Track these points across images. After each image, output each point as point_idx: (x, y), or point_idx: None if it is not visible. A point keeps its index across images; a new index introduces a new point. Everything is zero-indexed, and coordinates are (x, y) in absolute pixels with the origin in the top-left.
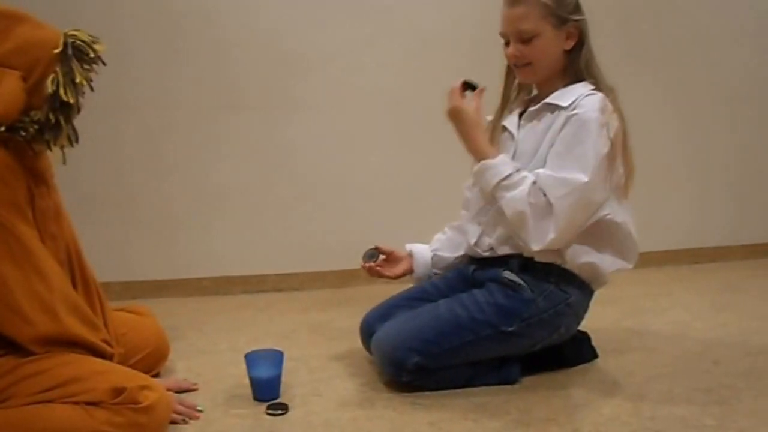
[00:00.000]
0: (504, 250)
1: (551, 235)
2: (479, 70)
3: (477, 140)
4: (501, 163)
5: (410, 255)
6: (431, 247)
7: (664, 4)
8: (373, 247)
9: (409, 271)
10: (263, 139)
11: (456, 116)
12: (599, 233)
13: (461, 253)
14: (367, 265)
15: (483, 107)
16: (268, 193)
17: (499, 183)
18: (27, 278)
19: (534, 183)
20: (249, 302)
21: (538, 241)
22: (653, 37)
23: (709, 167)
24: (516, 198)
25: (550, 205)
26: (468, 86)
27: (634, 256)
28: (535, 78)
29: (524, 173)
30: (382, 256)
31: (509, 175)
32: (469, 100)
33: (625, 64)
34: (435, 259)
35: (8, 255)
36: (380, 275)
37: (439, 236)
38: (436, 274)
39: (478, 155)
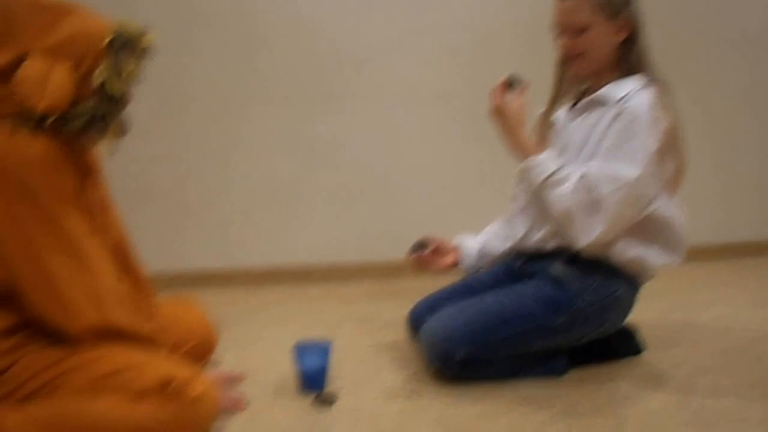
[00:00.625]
0: (552, 245)
1: (599, 231)
2: (526, 65)
3: (519, 140)
4: (546, 160)
5: (458, 247)
6: (479, 240)
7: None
8: (421, 238)
9: (456, 264)
10: (311, 131)
11: (497, 116)
12: (647, 228)
13: (509, 245)
14: (413, 256)
15: (526, 104)
16: (316, 185)
17: (544, 181)
18: (75, 270)
19: (581, 178)
20: (296, 293)
21: (585, 237)
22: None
23: (758, 162)
24: (562, 195)
25: (598, 200)
26: (512, 83)
27: (682, 250)
28: (586, 70)
29: (570, 169)
30: (429, 248)
31: (554, 172)
32: (512, 99)
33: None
34: (482, 251)
35: (56, 247)
36: (427, 267)
37: (487, 229)
38: (482, 267)
39: (521, 154)
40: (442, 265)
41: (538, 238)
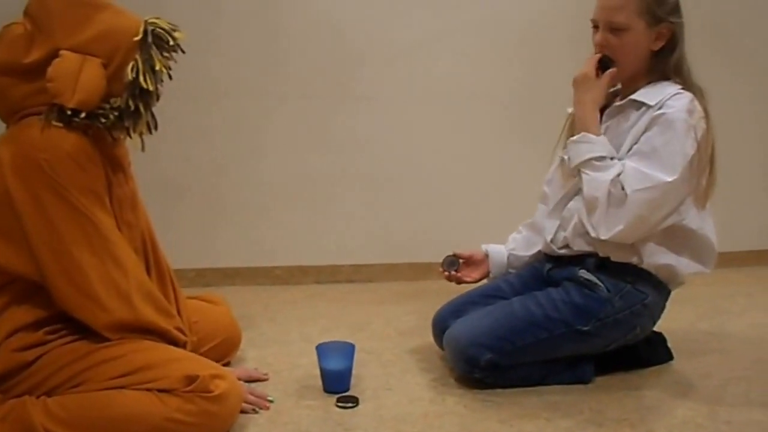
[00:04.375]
0: (579, 245)
1: (620, 227)
2: (562, 66)
3: (590, 113)
4: (600, 142)
5: (486, 255)
6: (507, 248)
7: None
8: (452, 254)
9: (487, 275)
10: (340, 129)
11: (584, 84)
12: (675, 237)
13: (536, 250)
14: (446, 273)
15: (609, 89)
16: (344, 184)
17: (590, 159)
18: (103, 265)
19: (619, 174)
20: (322, 292)
21: (606, 230)
22: (737, 35)
23: None
24: (599, 180)
25: (624, 195)
26: (605, 63)
27: (712, 261)
28: (618, 75)
29: (617, 162)
30: (461, 261)
31: (603, 157)
32: (601, 77)
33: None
34: (511, 258)
35: (85, 241)
36: (460, 281)
37: (514, 236)
38: (509, 273)
39: (584, 127)
40: (473, 278)
41: (565, 238)
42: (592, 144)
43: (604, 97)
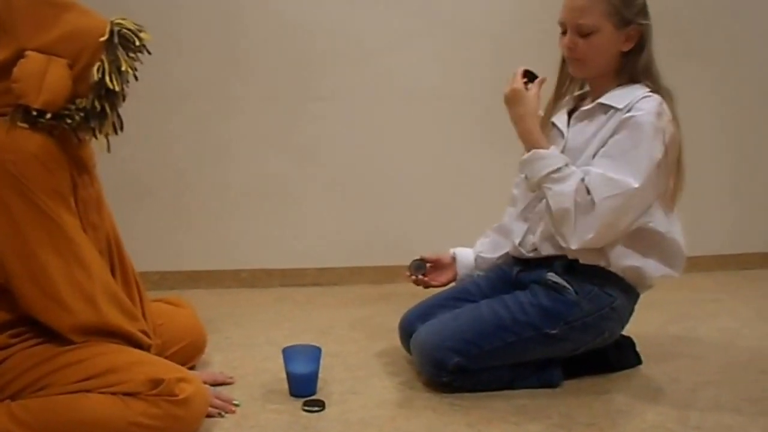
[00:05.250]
0: (547, 249)
1: (590, 235)
2: (533, 66)
3: (532, 127)
4: (552, 155)
5: (453, 259)
6: (475, 250)
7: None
8: (419, 257)
9: (455, 278)
10: (304, 131)
11: (515, 99)
12: (643, 239)
13: (503, 251)
14: (413, 277)
15: (541, 98)
16: (309, 186)
17: (548, 174)
18: (68, 267)
19: (582, 180)
20: (287, 296)
21: (576, 239)
22: (701, 37)
23: (759, 171)
24: (563, 192)
25: (593, 204)
26: (528, 75)
27: (681, 264)
28: (586, 73)
29: (574, 168)
30: (428, 265)
31: (559, 168)
32: (530, 88)
33: (676, 64)
34: (478, 260)
35: (50, 243)
36: (428, 285)
37: (482, 240)
38: (478, 275)
39: (530, 143)
40: (441, 282)
41: (533, 242)
42: (545, 159)
43: (538, 108)
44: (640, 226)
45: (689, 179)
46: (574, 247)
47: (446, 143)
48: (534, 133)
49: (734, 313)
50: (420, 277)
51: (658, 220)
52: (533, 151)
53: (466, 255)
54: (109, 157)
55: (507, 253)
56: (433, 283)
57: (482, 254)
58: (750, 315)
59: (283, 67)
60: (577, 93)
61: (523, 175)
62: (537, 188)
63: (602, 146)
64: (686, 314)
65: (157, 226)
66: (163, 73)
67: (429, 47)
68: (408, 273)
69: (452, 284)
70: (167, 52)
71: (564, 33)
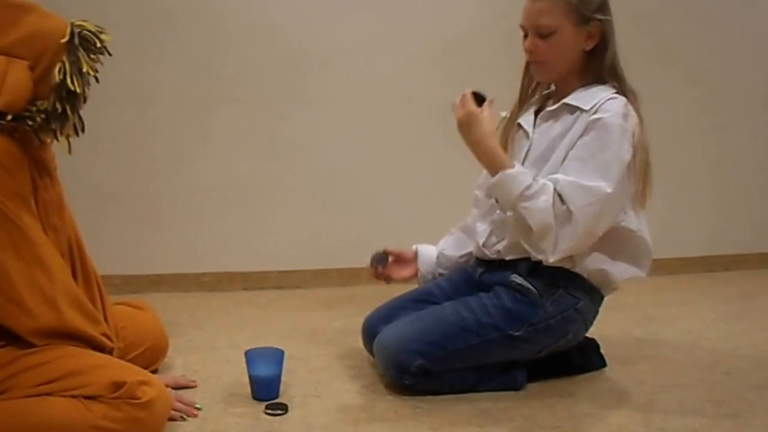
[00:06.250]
0: (513, 255)
1: (569, 244)
2: (497, 69)
3: (492, 150)
4: (519, 173)
5: (416, 254)
6: (438, 248)
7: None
8: (382, 250)
9: (417, 273)
10: (267, 135)
11: (471, 123)
12: (613, 240)
13: (467, 251)
14: (375, 270)
15: (494, 117)
16: (271, 189)
17: (521, 194)
18: (29, 269)
19: (554, 191)
20: (249, 299)
21: (557, 253)
22: (674, 37)
23: (727, 173)
24: (542, 209)
25: (570, 213)
26: (477, 97)
27: (648, 264)
28: (549, 76)
29: (543, 181)
30: (390, 258)
31: (530, 185)
32: (482, 109)
33: (645, 66)
34: (441, 258)
35: (11, 245)
36: (388, 279)
37: (446, 238)
38: (441, 273)
39: (494, 166)
40: (402, 277)
41: (497, 248)
42: (515, 179)
43: (494, 128)
44: (613, 225)
45: (654, 182)
46: (552, 260)
47: (411, 146)
48: (497, 155)
49: (698, 315)
50: (381, 269)
51: (630, 219)
52: (500, 173)
53: (428, 252)
54: (73, 161)
55: (470, 253)
56: (394, 276)
57: (445, 252)
58: (714, 317)
59: (253, 69)
60: (544, 92)
61: (493, 200)
62: (511, 209)
63: (571, 148)
64: (650, 316)
65: (120, 230)
66: (133, 74)
67: (399, 49)
68: (369, 265)
69: (415, 285)
70: (138, 54)
71: (526, 37)
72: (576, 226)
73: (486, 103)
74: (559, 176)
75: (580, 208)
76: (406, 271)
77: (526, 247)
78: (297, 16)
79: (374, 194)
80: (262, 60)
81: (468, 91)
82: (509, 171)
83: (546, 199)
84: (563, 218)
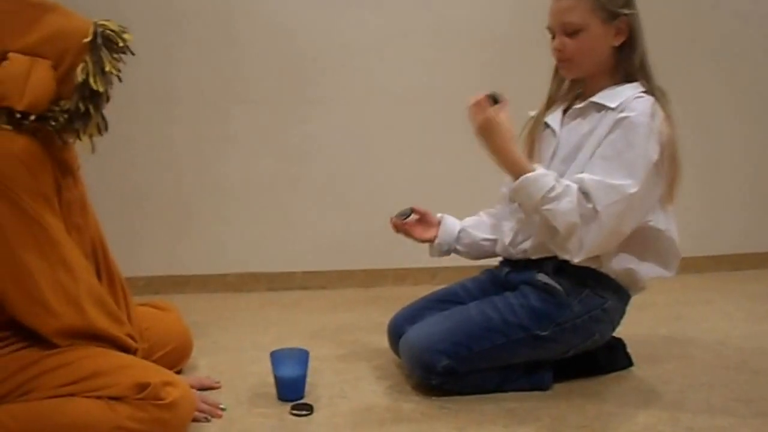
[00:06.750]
0: (539, 254)
1: (595, 244)
2: (511, 69)
3: (513, 154)
4: (541, 176)
5: (439, 222)
6: (462, 223)
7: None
8: (410, 207)
9: (434, 239)
10: (291, 135)
11: (490, 128)
12: (641, 240)
13: (490, 236)
14: (395, 220)
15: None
16: (296, 190)
17: (544, 196)
18: (52, 269)
19: (579, 190)
20: (274, 300)
21: (583, 252)
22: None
23: (759, 171)
24: (567, 210)
25: (596, 212)
26: (495, 98)
27: (675, 264)
28: (578, 74)
29: (566, 182)
30: (415, 216)
31: (553, 187)
32: (498, 112)
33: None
34: (462, 233)
35: (34, 245)
36: (408, 234)
37: (472, 216)
38: (456, 250)
39: (516, 170)
40: (421, 237)
41: (522, 248)
42: (537, 182)
43: (513, 131)
44: (639, 225)
45: (684, 179)
46: (577, 260)
47: (435, 146)
48: (517, 159)
49: (726, 314)
50: (402, 221)
51: (658, 218)
52: (522, 177)
53: (452, 223)
54: (97, 161)
55: (493, 240)
56: (415, 234)
57: (468, 228)
58: (742, 316)
59: (272, 70)
60: (574, 92)
61: (514, 205)
62: (535, 212)
63: (597, 147)
64: (678, 315)
65: (144, 231)
66: (155, 77)
67: (417, 49)
68: (393, 218)
69: (437, 287)
70: (160, 56)
71: (554, 38)
72: (602, 225)
73: (499, 106)
74: (584, 175)
75: (605, 207)
76: (426, 233)
77: (552, 247)
78: (314, 18)
79: (400, 194)
80: (280, 61)
81: (483, 94)
82: (530, 175)
83: (570, 200)
84: (588, 217)
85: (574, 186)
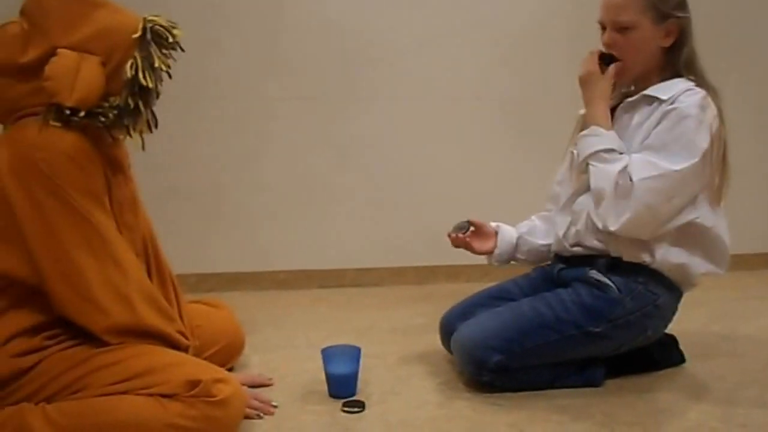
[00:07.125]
0: (591, 242)
1: (627, 215)
2: (568, 65)
3: (601, 108)
4: (610, 136)
5: (496, 233)
6: (518, 231)
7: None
8: (466, 220)
9: (494, 250)
10: (342, 131)
11: (589, 81)
12: (688, 236)
13: (547, 241)
14: (453, 235)
15: (612, 82)
16: (347, 186)
17: (598, 151)
18: (103, 267)
19: (626, 166)
20: (326, 297)
21: (614, 220)
22: (740, 35)
23: None
24: (606, 171)
25: (631, 183)
26: (605, 58)
27: (725, 261)
28: (627, 74)
29: (626, 156)
30: (471, 229)
31: (611, 150)
32: (604, 71)
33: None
34: (520, 241)
35: (85, 243)
36: (466, 247)
37: (526, 222)
38: (516, 258)
39: (594, 121)
40: (481, 249)
41: (576, 230)
42: (601, 137)
43: (611, 91)
44: (686, 221)
45: (733, 176)
46: (612, 227)
47: (485, 142)
48: (601, 114)
49: None
50: (460, 235)
51: (705, 215)
52: (592, 126)
53: (508, 232)
54: (146, 158)
55: (549, 247)
56: (474, 246)
57: (525, 236)
58: None
59: (321, 67)
60: (624, 89)
61: (574, 151)
62: (584, 166)
63: (646, 138)
64: (729, 312)
65: (195, 228)
66: (201, 72)
67: (465, 46)
68: (450, 232)
69: (488, 284)
70: (205, 51)
71: (604, 31)
72: (635, 198)
73: (612, 66)
74: (633, 154)
75: (641, 180)
76: (485, 245)
77: (593, 217)
78: (363, 13)
79: (451, 191)
80: (328, 58)
81: (597, 50)
82: (602, 129)
83: (614, 168)
84: (625, 190)
85: (627, 161)
